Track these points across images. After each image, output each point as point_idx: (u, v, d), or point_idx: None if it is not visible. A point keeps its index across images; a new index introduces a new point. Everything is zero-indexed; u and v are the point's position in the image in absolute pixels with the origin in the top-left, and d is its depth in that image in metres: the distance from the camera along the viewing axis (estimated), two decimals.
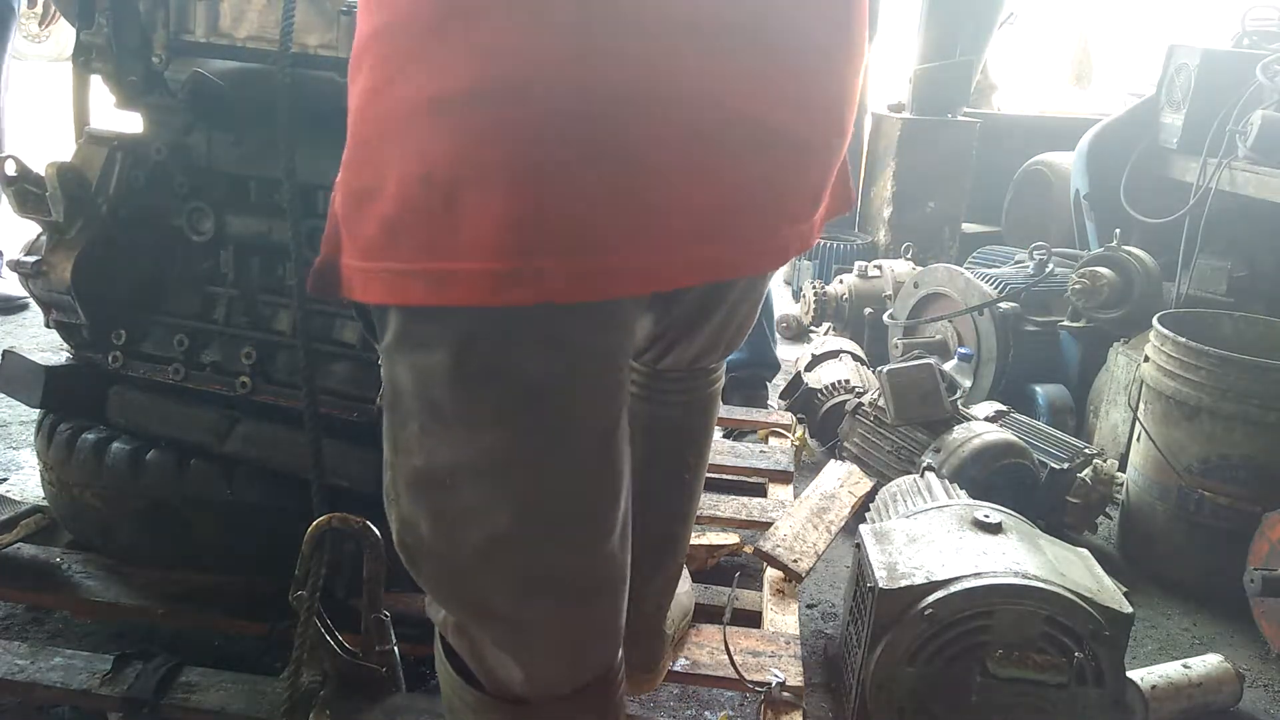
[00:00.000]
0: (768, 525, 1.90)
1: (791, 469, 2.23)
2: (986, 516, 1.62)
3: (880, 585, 1.47)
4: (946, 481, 1.91)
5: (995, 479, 2.14)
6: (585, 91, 0.70)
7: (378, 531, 1.28)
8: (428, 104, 0.72)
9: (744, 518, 1.99)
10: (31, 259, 1.54)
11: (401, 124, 0.73)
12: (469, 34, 0.70)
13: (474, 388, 0.80)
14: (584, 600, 0.89)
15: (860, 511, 2.01)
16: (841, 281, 3.57)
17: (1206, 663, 1.74)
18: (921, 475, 1.98)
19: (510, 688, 0.89)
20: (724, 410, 2.43)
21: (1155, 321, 2.23)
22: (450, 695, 0.95)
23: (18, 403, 1.68)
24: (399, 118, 0.74)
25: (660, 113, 0.72)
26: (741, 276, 1.05)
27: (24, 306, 3.20)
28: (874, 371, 2.67)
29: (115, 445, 1.55)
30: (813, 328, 3.65)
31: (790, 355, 3.15)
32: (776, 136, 0.80)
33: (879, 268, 3.55)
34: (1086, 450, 2.32)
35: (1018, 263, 3.20)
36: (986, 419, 2.34)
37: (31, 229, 1.59)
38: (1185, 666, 1.73)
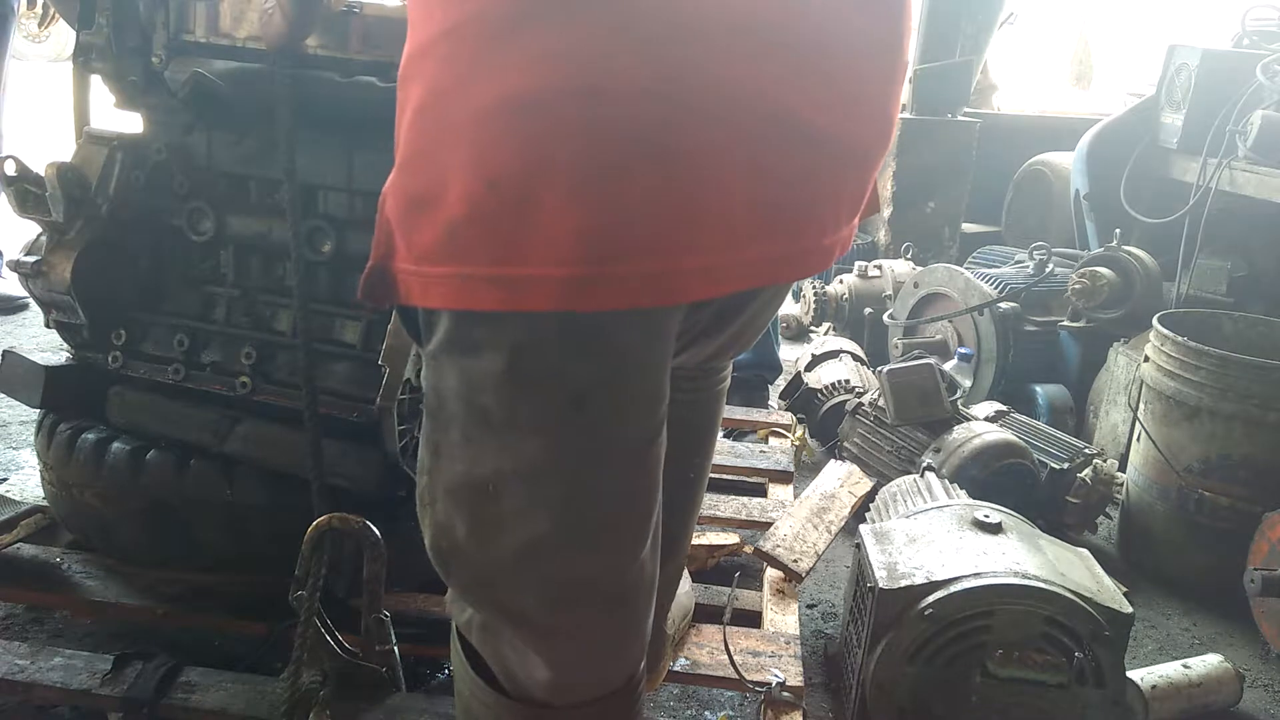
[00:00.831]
0: (768, 525, 1.90)
1: (791, 469, 2.23)
2: (986, 516, 1.62)
3: (880, 585, 1.47)
4: (946, 481, 1.91)
5: (995, 479, 2.14)
6: (654, 95, 0.70)
7: (377, 531, 1.28)
8: (497, 107, 0.71)
9: (744, 518, 1.99)
10: (31, 259, 1.54)
11: (467, 127, 0.73)
12: (539, 38, 0.70)
13: (524, 394, 0.80)
14: (614, 607, 0.89)
15: (860, 511, 2.01)
16: (841, 281, 3.57)
17: (1206, 663, 1.74)
18: (921, 475, 1.98)
19: (533, 692, 0.89)
20: (724, 410, 2.43)
21: (1155, 321, 2.23)
22: (468, 697, 0.95)
23: (18, 403, 1.68)
24: (464, 121, 0.73)
25: (720, 115, 0.73)
26: (793, 280, 1.06)
27: (24, 306, 3.20)
28: (874, 371, 2.67)
29: (115, 445, 1.55)
30: (813, 328, 3.65)
31: (790, 355, 3.15)
32: (828, 140, 0.81)
33: (879, 268, 3.55)
34: (1086, 450, 2.32)
35: (1018, 263, 3.20)
36: (986, 419, 2.34)
37: (31, 229, 1.59)
38: (1185, 666, 1.73)
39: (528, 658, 0.88)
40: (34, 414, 1.70)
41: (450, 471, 0.85)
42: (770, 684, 1.46)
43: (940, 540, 1.58)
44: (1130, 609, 1.47)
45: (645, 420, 0.86)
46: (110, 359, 1.58)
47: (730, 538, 1.99)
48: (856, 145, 0.86)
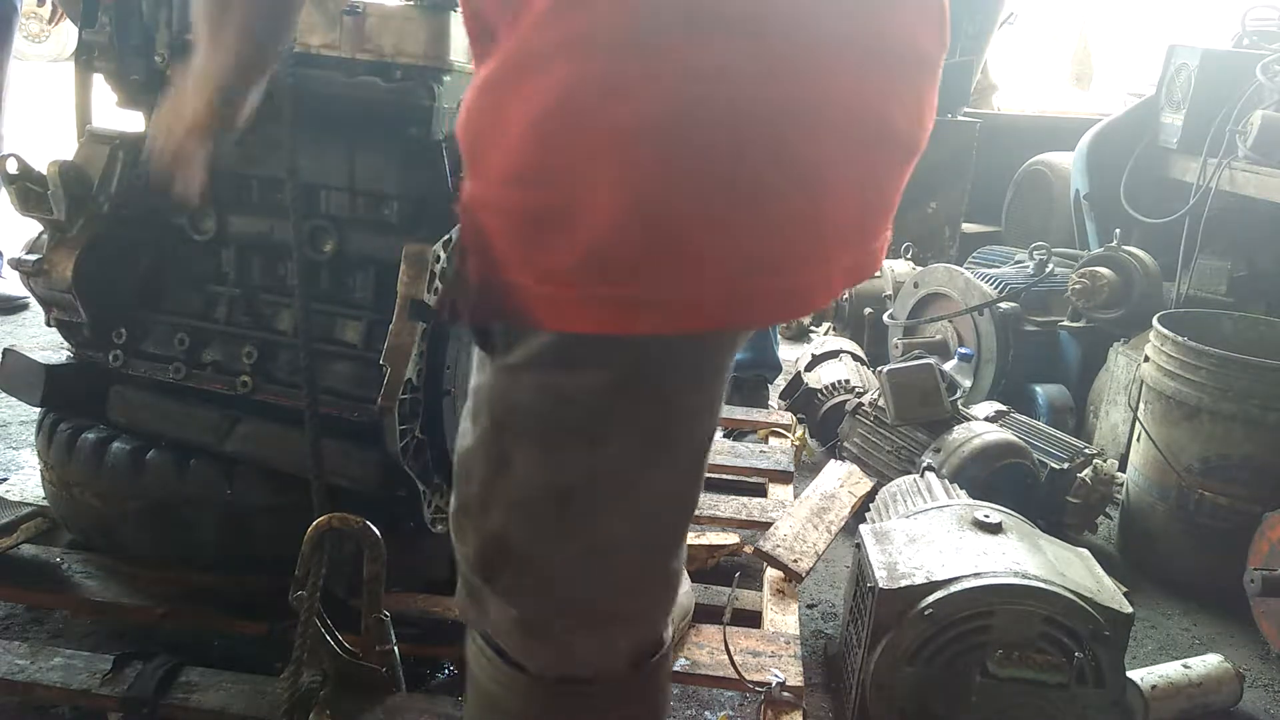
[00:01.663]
0: (768, 525, 1.90)
1: (791, 469, 2.23)
2: (986, 516, 1.62)
3: (880, 585, 1.47)
4: (946, 481, 1.91)
5: (995, 479, 2.14)
6: (789, 113, 0.72)
7: (378, 531, 1.29)
8: (640, 126, 0.70)
9: (744, 518, 1.99)
10: (33, 257, 1.54)
11: (608, 146, 0.71)
12: (678, 55, 0.69)
13: (625, 408, 0.82)
14: (666, 591, 0.96)
15: (860, 511, 2.01)
16: None
17: (1206, 663, 1.74)
18: (921, 475, 1.99)
19: (577, 672, 0.92)
20: (724, 410, 2.42)
21: (1155, 321, 2.23)
22: (489, 685, 0.95)
23: (18, 402, 1.68)
24: (605, 138, 0.71)
25: (839, 130, 0.75)
26: (864, 280, 1.09)
27: (24, 306, 3.20)
28: (874, 371, 2.67)
29: (115, 445, 1.55)
30: (813, 328, 3.65)
31: (790, 355, 3.15)
32: (904, 144, 0.84)
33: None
34: (1086, 450, 2.32)
35: (1018, 263, 3.20)
36: (986, 419, 2.34)
37: (32, 228, 1.59)
38: (1185, 666, 1.73)
39: (574, 640, 0.91)
40: (34, 414, 1.70)
41: (525, 483, 0.85)
42: (770, 684, 1.46)
43: (940, 540, 1.58)
44: (1130, 609, 1.47)
45: (713, 423, 0.91)
46: (111, 358, 1.58)
47: (730, 538, 1.99)
48: (919, 146, 0.88)
